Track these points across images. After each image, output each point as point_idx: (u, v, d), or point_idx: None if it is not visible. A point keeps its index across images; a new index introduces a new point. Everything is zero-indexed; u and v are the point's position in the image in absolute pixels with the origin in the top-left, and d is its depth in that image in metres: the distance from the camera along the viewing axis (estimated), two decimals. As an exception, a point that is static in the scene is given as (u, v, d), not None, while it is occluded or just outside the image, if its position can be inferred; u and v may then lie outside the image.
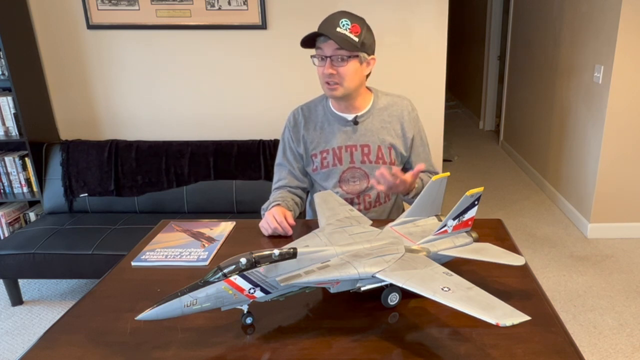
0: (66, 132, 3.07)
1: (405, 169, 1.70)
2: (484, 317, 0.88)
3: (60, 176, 2.81)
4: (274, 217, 1.47)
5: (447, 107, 5.28)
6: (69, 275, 2.51)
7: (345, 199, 1.66)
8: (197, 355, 0.97)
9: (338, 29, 1.45)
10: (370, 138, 1.64)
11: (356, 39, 1.47)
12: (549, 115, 4.00)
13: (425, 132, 1.74)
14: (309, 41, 1.51)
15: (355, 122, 1.63)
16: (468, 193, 1.12)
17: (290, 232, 1.47)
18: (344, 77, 1.50)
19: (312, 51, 1.53)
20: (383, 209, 1.73)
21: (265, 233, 1.49)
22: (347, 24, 1.46)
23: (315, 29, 1.47)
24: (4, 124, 2.83)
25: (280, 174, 1.72)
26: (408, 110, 1.67)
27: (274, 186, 1.74)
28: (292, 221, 1.51)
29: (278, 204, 1.57)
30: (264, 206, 1.64)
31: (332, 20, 1.47)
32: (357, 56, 1.50)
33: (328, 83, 1.52)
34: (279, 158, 1.74)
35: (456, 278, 1.01)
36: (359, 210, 1.67)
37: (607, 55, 2.99)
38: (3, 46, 2.60)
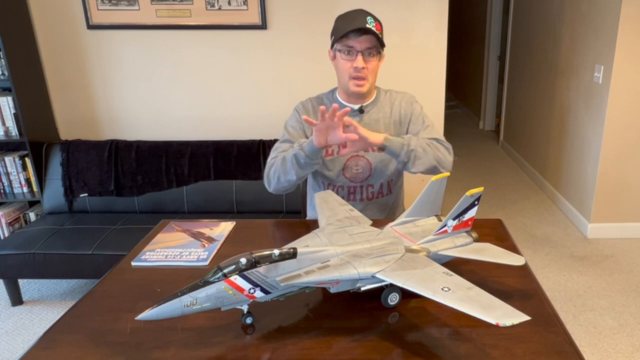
0: (66, 132, 3.07)
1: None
2: (484, 317, 0.87)
3: (60, 176, 2.81)
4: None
5: (447, 107, 5.27)
6: (69, 275, 2.51)
7: (348, 187, 1.69)
8: (197, 355, 0.97)
9: (368, 26, 1.50)
10: (375, 127, 1.67)
11: (380, 36, 1.55)
12: (549, 115, 4.00)
13: (428, 117, 1.74)
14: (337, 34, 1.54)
15: (361, 110, 1.67)
16: (468, 193, 1.12)
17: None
18: (371, 72, 1.58)
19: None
20: (385, 202, 1.75)
21: (322, 139, 1.42)
22: (372, 21, 1.53)
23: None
24: (4, 124, 2.83)
25: (281, 147, 1.67)
26: (411, 102, 1.74)
27: (271, 157, 1.65)
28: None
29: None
30: (294, 153, 1.52)
31: (360, 18, 1.52)
32: (380, 52, 1.57)
33: (355, 78, 1.56)
34: (277, 143, 1.70)
35: (456, 278, 1.01)
36: (361, 201, 1.71)
37: (607, 55, 2.99)
38: (3, 46, 2.60)
